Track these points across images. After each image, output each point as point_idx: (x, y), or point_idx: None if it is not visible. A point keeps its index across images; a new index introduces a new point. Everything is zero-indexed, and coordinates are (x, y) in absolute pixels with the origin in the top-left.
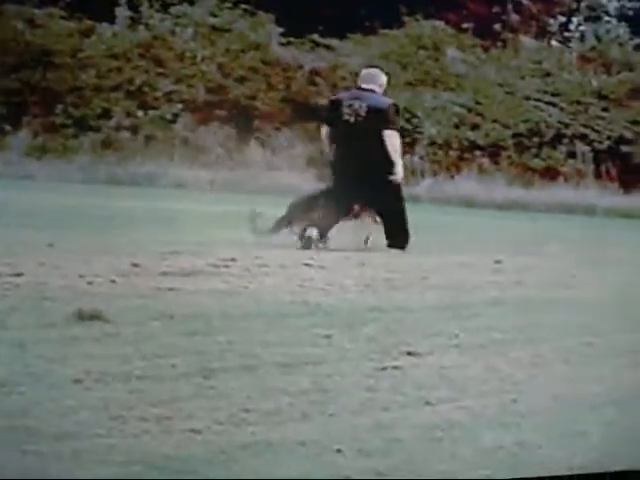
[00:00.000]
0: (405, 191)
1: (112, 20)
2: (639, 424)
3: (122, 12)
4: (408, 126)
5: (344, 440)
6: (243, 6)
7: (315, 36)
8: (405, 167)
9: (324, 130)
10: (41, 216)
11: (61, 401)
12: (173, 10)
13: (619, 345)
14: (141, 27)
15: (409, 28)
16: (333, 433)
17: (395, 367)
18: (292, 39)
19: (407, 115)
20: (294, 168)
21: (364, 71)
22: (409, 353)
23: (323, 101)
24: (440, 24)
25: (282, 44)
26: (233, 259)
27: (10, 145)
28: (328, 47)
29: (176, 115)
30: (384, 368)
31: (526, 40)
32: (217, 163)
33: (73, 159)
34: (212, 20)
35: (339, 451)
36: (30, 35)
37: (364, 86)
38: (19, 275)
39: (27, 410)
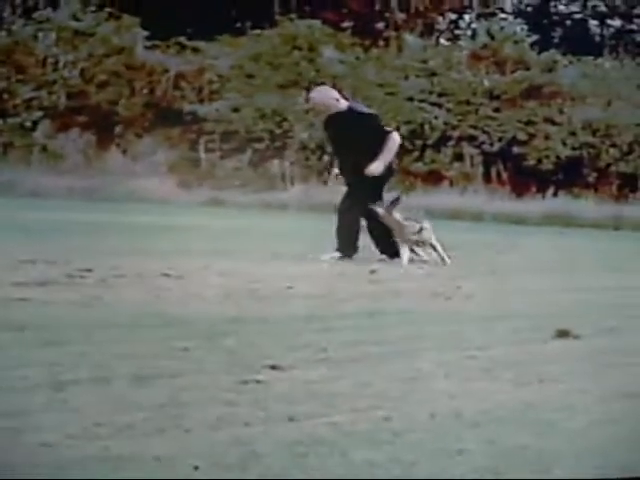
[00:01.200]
0: (272, 198)
1: None
2: (521, 442)
3: None
4: (278, 130)
5: (201, 455)
6: (108, 9)
7: (182, 39)
8: (274, 173)
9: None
10: None
11: None
12: (36, 15)
13: (503, 359)
14: (2, 33)
15: (282, 28)
16: (189, 448)
17: (257, 381)
18: (158, 42)
19: (277, 118)
20: (155, 175)
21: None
22: (272, 367)
23: (187, 106)
24: (316, 23)
25: (147, 48)
26: (89, 269)
27: None
28: (195, 50)
29: (35, 122)
30: (245, 382)
31: (410, 39)
32: (76, 170)
33: None
34: (75, 24)
35: (196, 467)
36: None
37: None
38: None
39: None
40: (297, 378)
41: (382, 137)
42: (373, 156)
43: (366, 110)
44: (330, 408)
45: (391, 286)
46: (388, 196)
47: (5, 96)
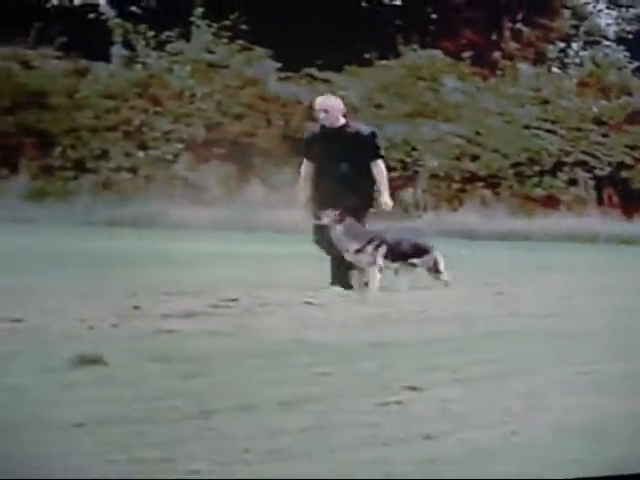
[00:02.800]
0: (407, 225)
1: (108, 59)
2: (636, 453)
3: (118, 51)
4: (408, 159)
5: (346, 476)
6: (239, 41)
7: (312, 70)
8: (407, 201)
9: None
10: (42, 260)
11: (59, 445)
12: (169, 47)
13: (616, 373)
14: (138, 66)
15: (406, 58)
16: (335, 469)
17: (395, 402)
18: (290, 74)
19: (407, 148)
20: (295, 205)
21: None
22: (409, 388)
23: None
24: (437, 53)
25: (280, 79)
26: (234, 299)
27: (8, 189)
28: (325, 81)
29: (176, 155)
30: (385, 403)
31: (524, 68)
32: (217, 202)
33: (73, 201)
34: (208, 57)
35: None
36: (24, 76)
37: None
38: (19, 321)
39: (25, 455)
40: (432, 398)
41: (371, 158)
42: (360, 179)
43: (365, 128)
44: (462, 425)
45: (513, 307)
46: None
47: (144, 129)
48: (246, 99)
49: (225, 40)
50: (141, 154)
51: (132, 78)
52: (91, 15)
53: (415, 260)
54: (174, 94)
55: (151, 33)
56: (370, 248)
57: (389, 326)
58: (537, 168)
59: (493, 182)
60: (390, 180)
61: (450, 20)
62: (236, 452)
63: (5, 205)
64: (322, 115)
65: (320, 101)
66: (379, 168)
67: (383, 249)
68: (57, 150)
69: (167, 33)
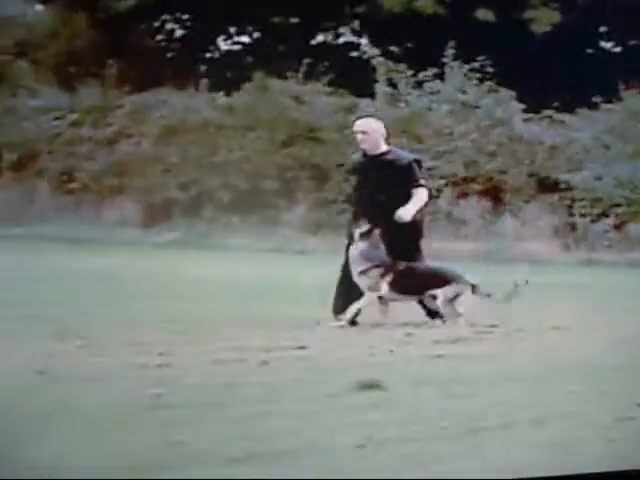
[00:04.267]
0: (634, 257)
1: (373, 96)
2: None
3: (381, 88)
4: (633, 196)
5: None
6: (488, 83)
7: (551, 112)
8: (634, 235)
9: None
10: (323, 290)
11: (341, 468)
12: (427, 87)
13: None
14: (400, 103)
15: (626, 102)
16: None
17: (629, 418)
18: (531, 115)
19: (631, 186)
20: (540, 238)
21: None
22: None
23: (561, 175)
24: None
25: (524, 120)
26: (494, 325)
27: (286, 220)
28: (562, 122)
29: (439, 190)
30: (620, 419)
31: None
32: (476, 235)
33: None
34: (462, 97)
35: None
36: (296, 111)
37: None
38: (303, 348)
39: (305, 475)
40: None
41: (410, 187)
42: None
43: (405, 156)
44: None
45: None
46: None
47: None
48: (496, 138)
49: (475, 81)
50: None
51: (395, 115)
52: (354, 53)
53: (433, 292)
54: (434, 132)
55: (410, 72)
56: (375, 272)
57: (625, 349)
58: None
59: None
60: (616, 215)
61: None
62: (499, 467)
63: (284, 236)
64: (360, 137)
65: (360, 123)
66: (418, 194)
67: (389, 277)
68: (330, 184)
69: (424, 73)
